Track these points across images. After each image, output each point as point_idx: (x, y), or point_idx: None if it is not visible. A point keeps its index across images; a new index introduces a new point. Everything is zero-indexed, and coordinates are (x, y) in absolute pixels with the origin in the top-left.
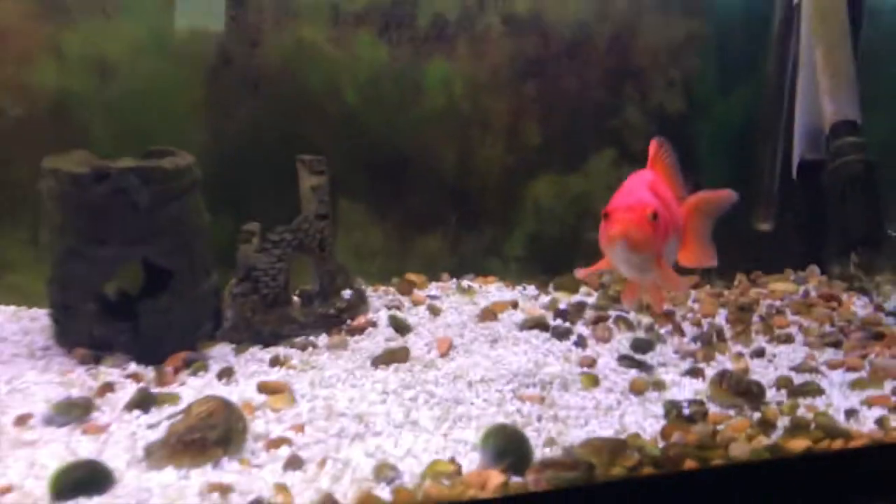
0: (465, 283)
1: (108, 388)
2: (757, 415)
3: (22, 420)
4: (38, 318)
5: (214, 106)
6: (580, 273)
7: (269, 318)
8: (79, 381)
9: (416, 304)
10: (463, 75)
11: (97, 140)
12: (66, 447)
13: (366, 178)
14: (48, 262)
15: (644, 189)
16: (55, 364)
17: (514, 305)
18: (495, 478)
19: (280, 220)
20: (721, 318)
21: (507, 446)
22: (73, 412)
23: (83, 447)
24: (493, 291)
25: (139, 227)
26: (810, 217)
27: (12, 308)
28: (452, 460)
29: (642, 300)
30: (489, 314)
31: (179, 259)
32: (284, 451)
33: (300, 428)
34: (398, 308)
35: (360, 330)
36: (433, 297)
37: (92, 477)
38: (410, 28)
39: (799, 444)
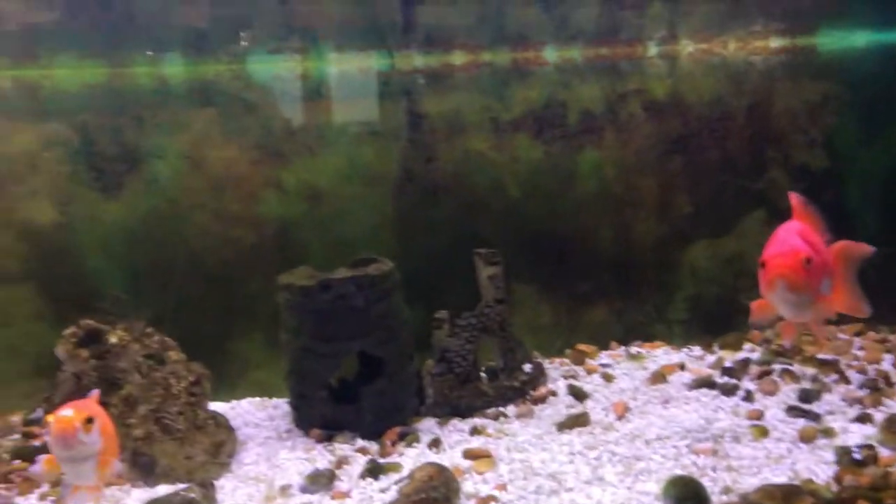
0: (633, 349)
1: (344, 460)
2: None
3: (284, 490)
4: (279, 407)
5: (401, 216)
6: (754, 306)
7: (464, 394)
8: (319, 456)
9: (589, 372)
10: (612, 160)
11: (313, 254)
12: None
13: (533, 261)
14: (284, 359)
15: (794, 237)
16: (299, 443)
17: (682, 367)
18: None
19: (464, 307)
20: (887, 363)
21: (687, 494)
22: (321, 482)
23: None
24: (661, 355)
25: (357, 325)
26: None
27: (258, 399)
28: None
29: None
30: (659, 377)
31: (389, 348)
32: None
33: (503, 487)
34: (574, 377)
35: (543, 399)
36: (605, 365)
37: None
38: (562, 126)
39: None
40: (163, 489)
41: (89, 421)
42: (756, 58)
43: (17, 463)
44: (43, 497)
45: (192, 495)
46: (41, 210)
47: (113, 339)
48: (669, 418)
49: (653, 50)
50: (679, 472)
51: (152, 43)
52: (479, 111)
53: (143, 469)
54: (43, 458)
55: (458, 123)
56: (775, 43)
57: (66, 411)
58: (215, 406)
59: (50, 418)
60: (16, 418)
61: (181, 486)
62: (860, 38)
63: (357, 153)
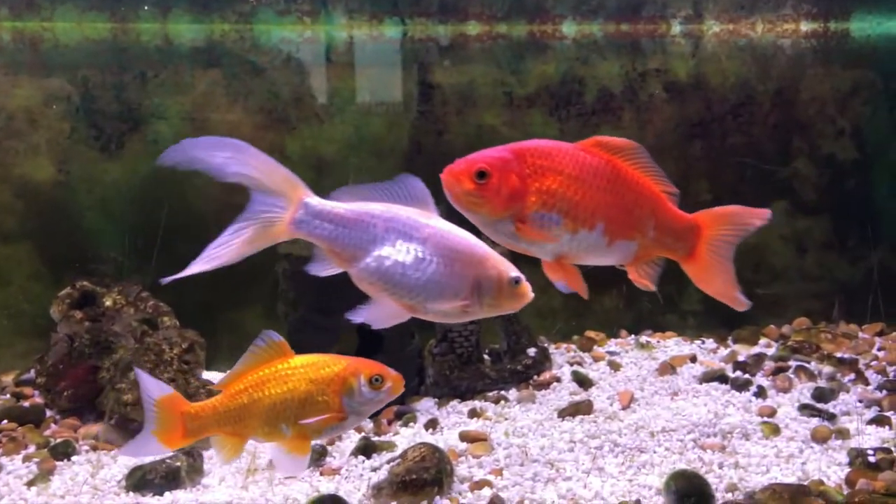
0: (643, 338)
1: (337, 437)
2: None
3: (272, 464)
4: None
5: None
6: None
7: (465, 375)
8: None
9: (596, 359)
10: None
11: None
12: (310, 485)
13: None
14: (283, 331)
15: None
16: None
17: (693, 359)
18: None
19: None
20: None
21: (690, 489)
22: (312, 457)
23: (323, 486)
24: (672, 346)
25: (356, 299)
26: None
27: None
28: (638, 503)
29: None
30: (668, 368)
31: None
32: (487, 492)
33: (499, 472)
34: (580, 364)
35: (546, 384)
36: (613, 353)
37: None
38: (578, 104)
39: None
40: (149, 458)
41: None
42: (785, 41)
43: (5, 423)
44: (28, 458)
45: (178, 464)
46: (40, 167)
47: (108, 302)
48: (677, 411)
49: (676, 28)
50: (683, 466)
51: None
52: (492, 85)
53: (131, 435)
54: None
55: (470, 96)
56: (806, 26)
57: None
58: (210, 376)
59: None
60: (8, 378)
61: (168, 453)
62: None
63: (365, 123)
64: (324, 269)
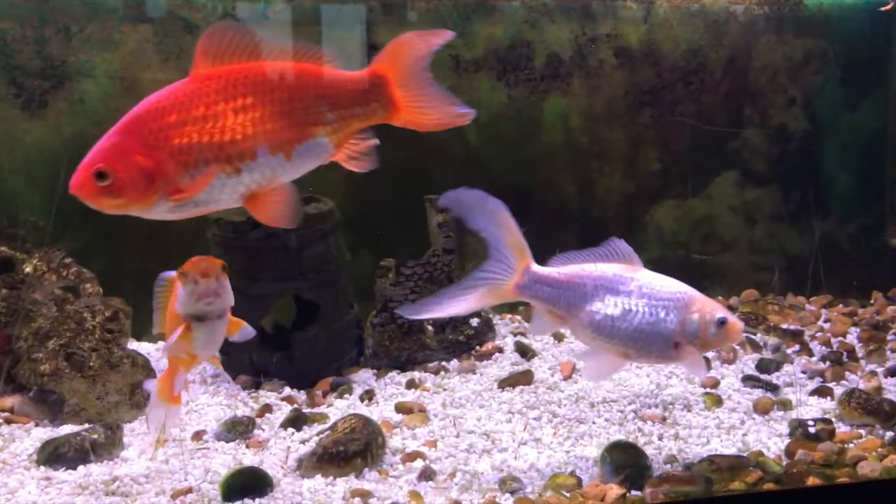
0: None
1: (267, 409)
2: (890, 434)
3: (198, 435)
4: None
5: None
6: None
7: (406, 346)
8: (243, 403)
9: None
10: (579, 109)
11: None
12: (233, 458)
13: None
14: None
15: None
16: (223, 389)
17: None
18: (614, 491)
19: (412, 255)
20: (853, 336)
21: (626, 461)
22: (238, 429)
23: (247, 458)
24: None
25: (289, 267)
26: None
27: None
28: (573, 474)
29: None
30: None
31: (325, 293)
32: (419, 464)
33: (433, 444)
34: (523, 335)
35: (488, 355)
36: None
37: (255, 482)
38: (526, 69)
39: None
40: (67, 429)
41: (224, 269)
42: (738, 8)
43: None
44: None
45: (95, 436)
46: None
47: (28, 269)
48: (619, 381)
49: None
50: (622, 437)
51: None
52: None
53: (49, 407)
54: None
55: None
56: None
57: (203, 260)
58: (141, 346)
59: (186, 269)
60: None
61: (87, 426)
62: None
63: None
64: (541, 328)
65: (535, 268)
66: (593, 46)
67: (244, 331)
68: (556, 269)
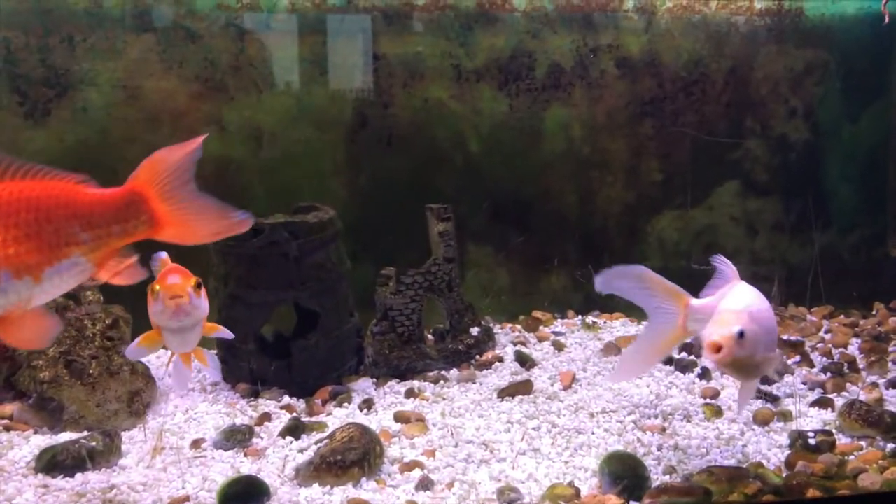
0: (590, 319)
1: (266, 417)
2: (891, 446)
3: (196, 443)
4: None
5: (353, 164)
6: None
7: (405, 354)
8: (241, 411)
9: (541, 340)
10: (580, 119)
11: (255, 200)
12: (231, 466)
13: (491, 221)
14: (214, 307)
15: None
16: (222, 397)
17: None
18: (612, 501)
19: (413, 264)
20: (853, 347)
21: (625, 472)
22: (237, 437)
23: (245, 467)
24: (618, 327)
25: (289, 275)
26: None
27: None
28: (571, 484)
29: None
30: (613, 349)
31: (325, 302)
32: (417, 473)
33: (431, 453)
34: (524, 344)
35: (488, 364)
36: (558, 333)
37: (252, 490)
38: (528, 79)
39: None
40: (66, 437)
41: (199, 286)
42: (739, 19)
43: None
44: None
45: (93, 444)
46: None
47: None
48: (618, 392)
49: (629, 2)
50: (621, 448)
51: None
52: (440, 57)
53: (49, 414)
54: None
55: (417, 69)
56: (760, 4)
57: (174, 278)
58: None
59: (157, 287)
60: None
61: (85, 434)
62: (851, 5)
63: (307, 94)
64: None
65: (694, 302)
66: (595, 57)
67: (222, 332)
68: (709, 299)
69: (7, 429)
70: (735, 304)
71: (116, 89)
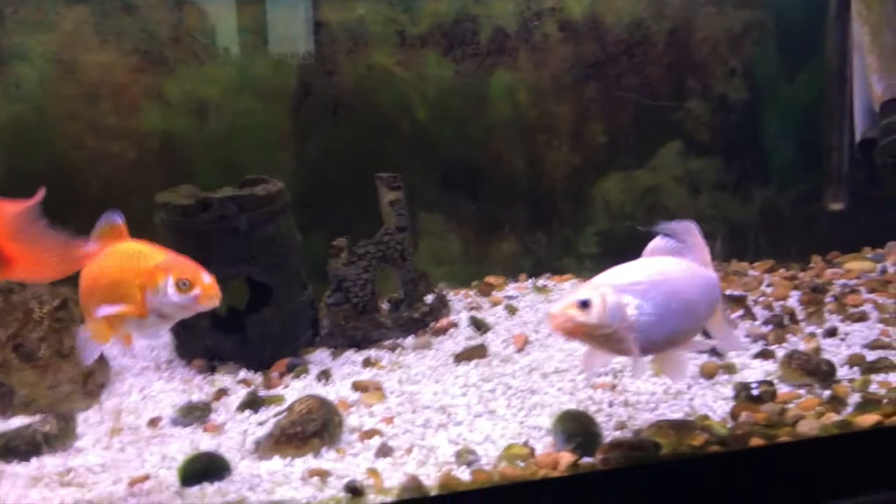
0: (540, 282)
1: (223, 392)
2: (827, 392)
3: (154, 422)
4: (162, 335)
5: (299, 134)
6: None
7: (361, 325)
8: (198, 387)
9: (494, 304)
10: (526, 84)
11: (201, 174)
12: (189, 443)
13: (441, 188)
14: None
15: None
16: (178, 374)
17: None
18: (566, 458)
19: (364, 234)
20: (794, 300)
21: (577, 429)
22: (195, 414)
23: (204, 443)
24: (568, 288)
25: (240, 249)
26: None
27: None
28: (526, 444)
29: None
30: None
31: (277, 275)
32: (376, 441)
33: (390, 420)
34: (477, 309)
35: (443, 331)
36: (510, 298)
37: (212, 466)
38: (473, 44)
39: (869, 419)
40: (18, 422)
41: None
42: None
43: None
44: None
45: (47, 428)
46: None
47: None
48: (570, 351)
49: None
50: (573, 406)
51: None
52: (383, 23)
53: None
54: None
55: (361, 35)
56: None
57: (203, 273)
58: None
59: (177, 276)
60: None
61: (38, 418)
62: None
63: (250, 63)
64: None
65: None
66: (538, 20)
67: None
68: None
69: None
70: (609, 276)
71: (51, 63)
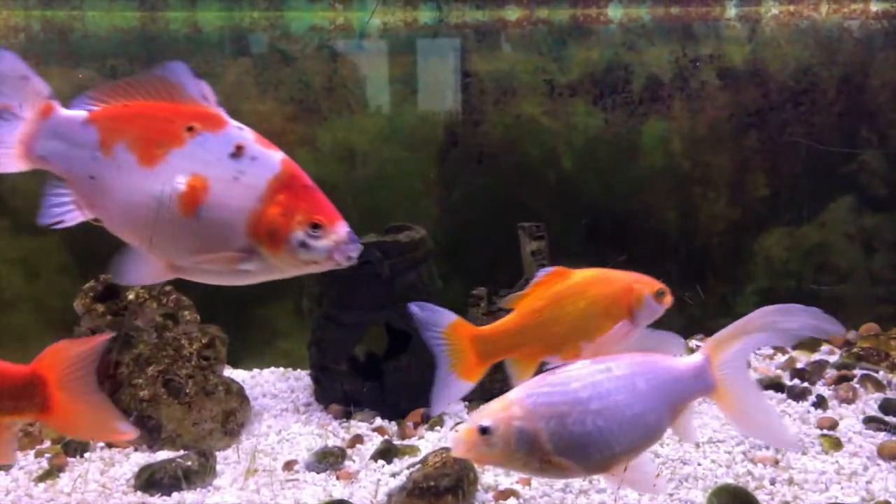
0: (693, 342)
1: (358, 439)
2: None
3: (289, 465)
4: (302, 378)
5: (444, 183)
6: None
7: (499, 376)
8: (334, 433)
9: None
10: (680, 133)
11: (347, 219)
12: (323, 490)
13: (585, 240)
14: (309, 328)
15: None
16: (315, 418)
17: (748, 365)
18: None
19: (504, 283)
20: None
21: None
22: (329, 460)
23: (337, 490)
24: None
25: (381, 295)
26: None
27: (281, 369)
28: None
29: None
30: None
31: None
32: (512, 503)
33: (527, 482)
34: None
35: None
36: None
37: None
38: (624, 92)
39: None
40: (164, 455)
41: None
42: (853, 23)
43: None
44: (40, 454)
45: (189, 463)
46: None
47: (130, 296)
48: (726, 421)
49: (731, 11)
50: (730, 480)
51: None
52: (532, 72)
53: (148, 432)
54: None
55: (509, 85)
56: (876, 6)
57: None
58: (236, 374)
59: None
60: None
61: (182, 453)
62: None
63: (399, 113)
64: None
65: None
66: (695, 68)
67: None
68: None
69: (109, 446)
70: (525, 389)
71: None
